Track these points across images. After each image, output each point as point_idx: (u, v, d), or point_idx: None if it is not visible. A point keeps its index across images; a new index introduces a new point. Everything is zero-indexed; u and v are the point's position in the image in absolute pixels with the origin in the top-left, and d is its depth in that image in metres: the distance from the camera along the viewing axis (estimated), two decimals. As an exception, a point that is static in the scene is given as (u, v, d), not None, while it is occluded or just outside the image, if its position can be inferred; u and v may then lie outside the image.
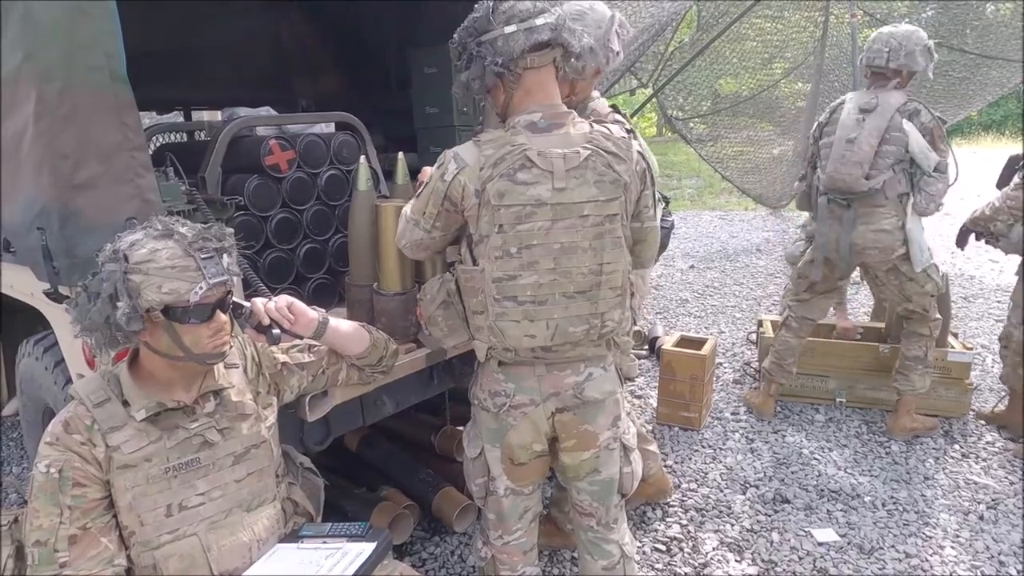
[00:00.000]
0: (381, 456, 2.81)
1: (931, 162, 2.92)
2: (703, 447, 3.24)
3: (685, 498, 2.82)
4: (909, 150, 2.92)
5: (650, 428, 3.35)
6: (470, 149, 1.52)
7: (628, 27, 2.02)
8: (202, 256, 1.32)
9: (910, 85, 3.08)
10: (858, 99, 3.07)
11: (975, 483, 2.90)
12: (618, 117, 1.89)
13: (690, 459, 3.13)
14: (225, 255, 1.36)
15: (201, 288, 1.30)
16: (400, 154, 2.19)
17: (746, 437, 3.33)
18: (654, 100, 8.13)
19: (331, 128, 2.51)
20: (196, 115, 4.01)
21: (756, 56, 8.17)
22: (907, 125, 2.91)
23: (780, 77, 8.30)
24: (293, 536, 1.53)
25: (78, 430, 1.32)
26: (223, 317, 1.39)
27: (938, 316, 3.20)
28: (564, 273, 1.50)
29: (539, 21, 1.46)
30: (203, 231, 1.36)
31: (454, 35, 1.56)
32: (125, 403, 1.36)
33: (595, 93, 2.09)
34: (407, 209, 1.65)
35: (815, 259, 3.32)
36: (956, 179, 2.98)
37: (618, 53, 1.98)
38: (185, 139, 3.71)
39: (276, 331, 1.50)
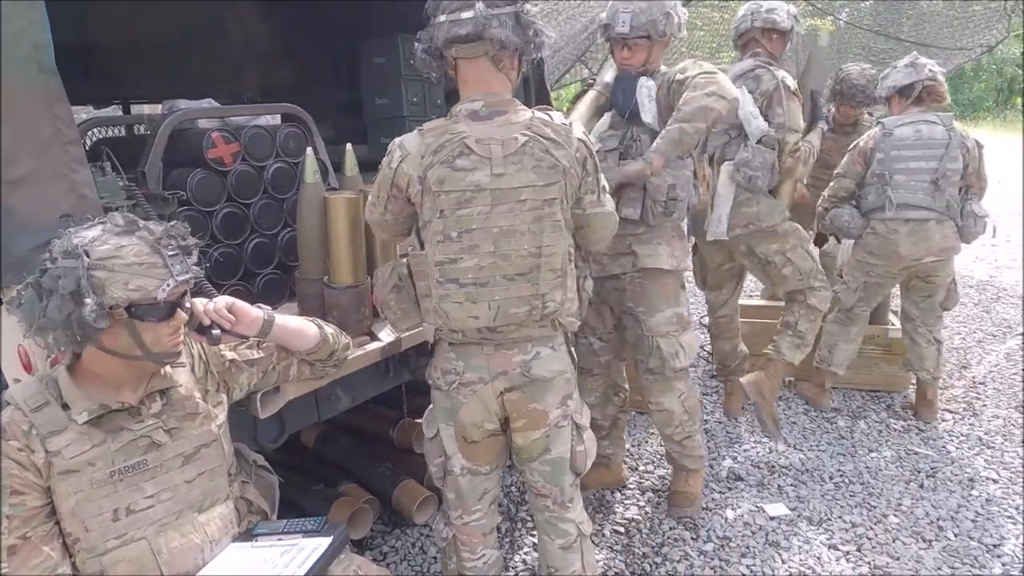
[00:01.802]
0: (339, 451, 2.79)
1: (756, 130, 2.82)
2: (659, 430, 3.30)
3: (642, 480, 2.88)
4: (739, 115, 2.82)
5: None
6: (413, 138, 1.59)
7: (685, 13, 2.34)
8: (169, 253, 1.31)
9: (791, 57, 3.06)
10: None
11: (916, 453, 3.04)
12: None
13: (647, 442, 3.19)
14: (187, 253, 1.37)
15: (169, 285, 1.30)
16: (348, 145, 2.16)
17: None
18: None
19: (277, 120, 2.45)
20: (135, 109, 3.87)
21: (704, 45, 8.29)
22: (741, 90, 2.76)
23: (728, 65, 8.45)
24: (247, 535, 1.51)
25: (14, 436, 1.28)
26: (183, 315, 1.38)
27: (826, 292, 3.02)
28: (504, 256, 1.54)
29: (464, 15, 1.51)
30: (169, 228, 1.36)
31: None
32: (65, 406, 1.32)
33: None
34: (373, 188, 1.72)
35: None
36: (799, 156, 2.88)
37: (681, 26, 2.29)
38: (123, 133, 3.58)
39: (216, 332, 1.48)
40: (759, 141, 2.83)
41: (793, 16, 2.99)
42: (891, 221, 3.09)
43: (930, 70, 3.08)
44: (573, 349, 1.79)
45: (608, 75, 2.46)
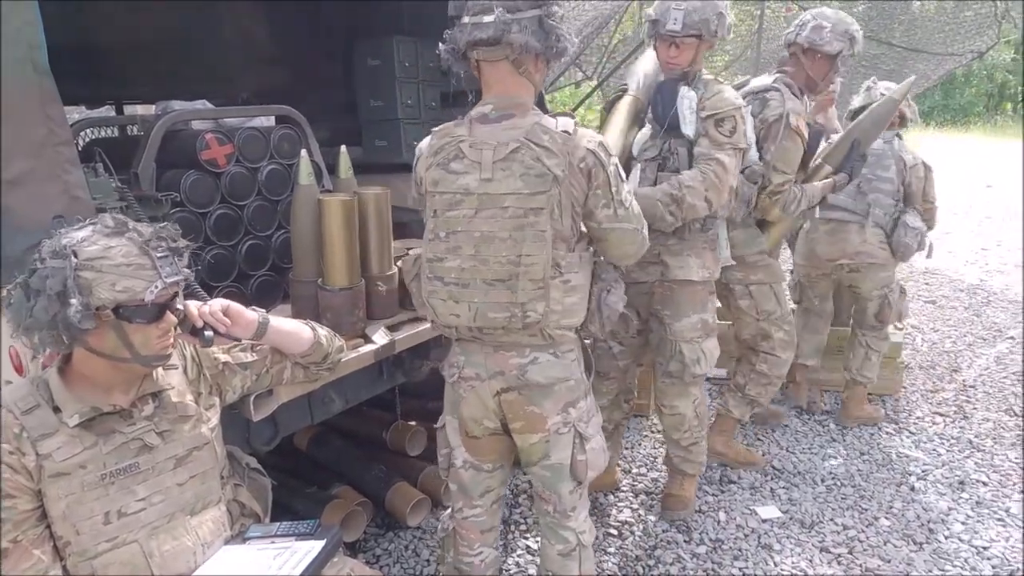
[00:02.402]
0: (332, 454, 2.78)
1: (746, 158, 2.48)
2: (652, 432, 3.31)
3: (635, 483, 2.88)
4: None
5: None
6: (426, 140, 1.66)
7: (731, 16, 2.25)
8: (158, 255, 1.31)
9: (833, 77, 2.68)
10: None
11: (906, 456, 3.05)
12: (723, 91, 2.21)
13: (640, 444, 3.20)
14: (178, 256, 1.36)
15: (157, 287, 1.29)
16: (343, 147, 2.16)
17: (693, 421, 3.41)
18: (599, 91, 8.21)
19: (271, 122, 2.45)
20: (128, 109, 3.85)
21: (700, 47, 8.31)
22: (744, 110, 2.43)
23: (721, 69, 8.49)
24: (240, 538, 1.50)
25: (6, 439, 1.27)
26: (172, 318, 1.37)
27: (783, 351, 2.81)
28: (482, 260, 1.56)
29: (485, 19, 1.51)
30: (159, 230, 1.35)
31: None
32: (56, 409, 1.31)
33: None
34: None
35: None
36: (779, 199, 2.55)
37: (729, 28, 2.23)
38: (116, 134, 3.56)
39: (208, 334, 1.47)
40: (742, 171, 2.48)
41: (849, 37, 2.58)
42: (814, 220, 3.24)
43: (880, 94, 3.13)
44: (591, 353, 1.78)
45: (638, 78, 2.36)
